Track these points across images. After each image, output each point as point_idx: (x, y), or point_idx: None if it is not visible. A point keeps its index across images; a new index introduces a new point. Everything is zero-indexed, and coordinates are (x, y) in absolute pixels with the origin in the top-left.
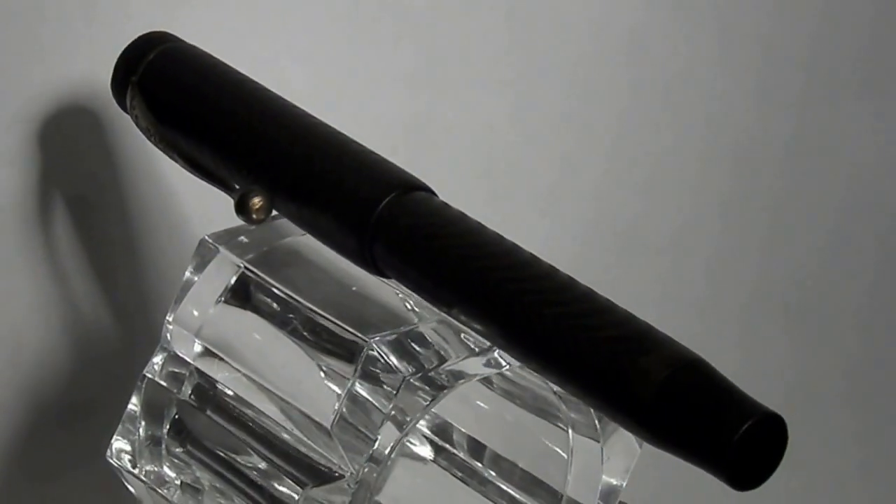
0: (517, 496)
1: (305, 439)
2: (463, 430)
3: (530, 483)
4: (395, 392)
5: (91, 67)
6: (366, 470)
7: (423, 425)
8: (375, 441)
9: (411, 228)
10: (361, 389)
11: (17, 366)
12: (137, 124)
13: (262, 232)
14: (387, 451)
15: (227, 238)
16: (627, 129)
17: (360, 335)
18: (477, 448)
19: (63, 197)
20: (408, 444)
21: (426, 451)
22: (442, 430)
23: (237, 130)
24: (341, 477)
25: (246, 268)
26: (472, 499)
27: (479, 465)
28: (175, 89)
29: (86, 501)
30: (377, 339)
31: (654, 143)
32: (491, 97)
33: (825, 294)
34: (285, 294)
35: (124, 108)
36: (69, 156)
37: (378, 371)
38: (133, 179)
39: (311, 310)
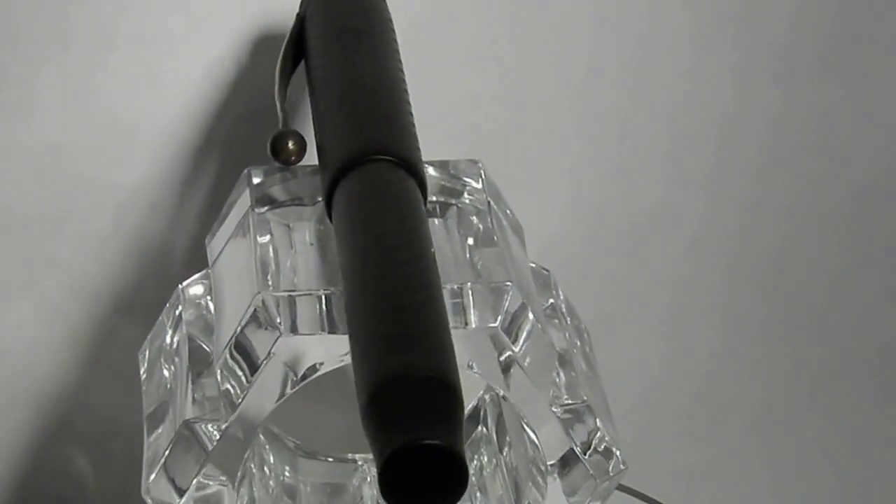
0: None
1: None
2: None
3: None
4: (270, 349)
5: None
6: (232, 420)
7: None
8: (244, 395)
9: (345, 195)
10: (243, 340)
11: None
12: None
13: (303, 181)
14: (251, 412)
15: (263, 176)
16: (605, 107)
17: (259, 286)
18: None
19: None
20: None
21: None
22: None
23: (317, 80)
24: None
25: (250, 211)
26: None
27: None
28: (308, 28)
29: None
30: (269, 292)
31: (632, 121)
32: (475, 71)
33: (802, 269)
34: (254, 246)
35: None
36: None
37: (263, 324)
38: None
39: (256, 260)
